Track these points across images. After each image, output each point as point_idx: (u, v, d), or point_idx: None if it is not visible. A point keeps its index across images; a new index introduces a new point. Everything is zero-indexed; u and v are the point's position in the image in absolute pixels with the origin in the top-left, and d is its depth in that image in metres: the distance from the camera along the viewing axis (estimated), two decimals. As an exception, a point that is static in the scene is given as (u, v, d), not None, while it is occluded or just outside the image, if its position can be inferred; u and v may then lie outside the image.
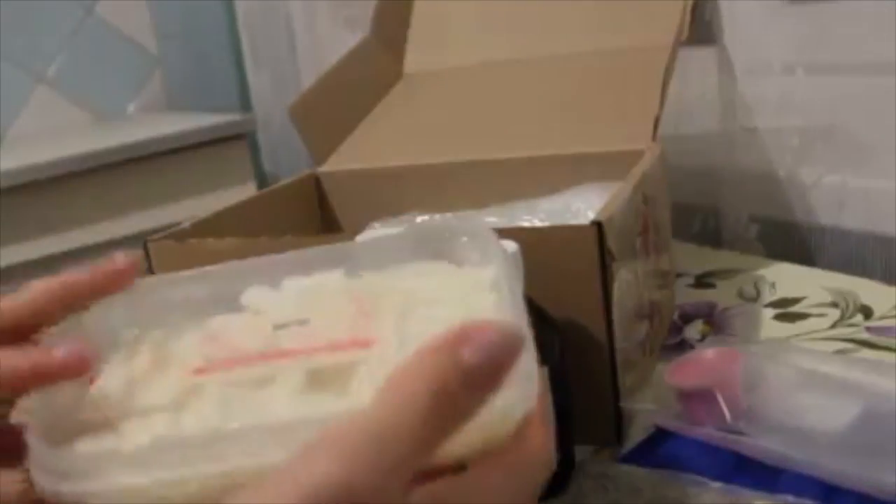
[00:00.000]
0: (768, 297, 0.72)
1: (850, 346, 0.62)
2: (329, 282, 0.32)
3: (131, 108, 1.89)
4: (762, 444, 0.48)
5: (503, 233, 0.47)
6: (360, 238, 0.47)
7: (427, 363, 0.24)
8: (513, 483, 0.26)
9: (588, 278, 0.50)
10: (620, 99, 0.73)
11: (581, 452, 0.51)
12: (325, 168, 0.79)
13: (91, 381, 0.29)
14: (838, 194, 0.81)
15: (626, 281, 0.53)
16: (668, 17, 0.74)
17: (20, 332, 0.31)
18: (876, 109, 0.76)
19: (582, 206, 0.65)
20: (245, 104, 1.82)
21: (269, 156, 1.75)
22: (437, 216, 0.70)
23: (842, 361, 0.57)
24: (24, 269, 1.37)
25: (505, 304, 0.28)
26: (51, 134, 1.72)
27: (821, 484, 0.45)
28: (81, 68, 1.82)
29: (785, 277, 0.76)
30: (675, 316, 0.70)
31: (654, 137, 0.67)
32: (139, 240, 0.58)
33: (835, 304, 0.69)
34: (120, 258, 0.33)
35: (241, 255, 0.33)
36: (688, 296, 0.74)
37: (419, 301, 0.30)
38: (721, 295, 0.74)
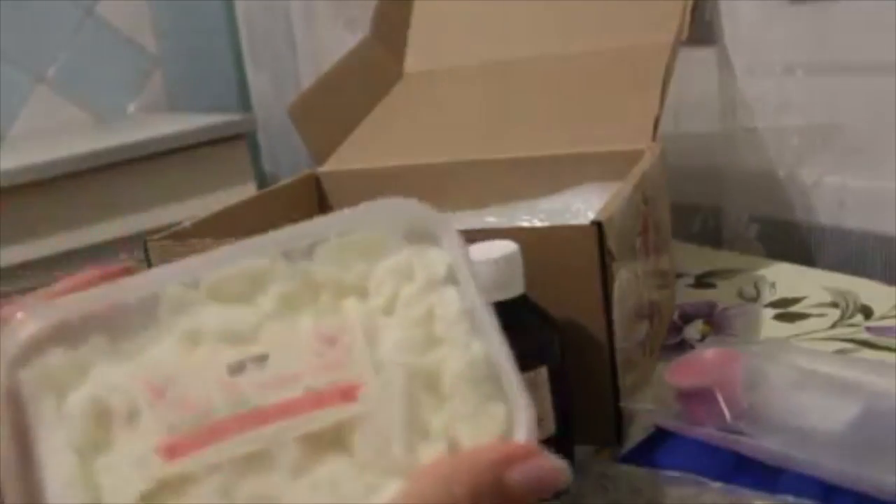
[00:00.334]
0: (768, 297, 0.72)
1: (850, 346, 0.62)
2: (262, 280, 0.28)
3: (131, 108, 1.89)
4: (762, 444, 0.48)
5: (503, 233, 0.48)
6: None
7: (472, 471, 0.25)
8: None
9: (588, 278, 0.50)
10: (620, 99, 0.73)
11: (581, 452, 0.51)
12: (325, 168, 0.79)
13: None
14: (838, 194, 0.81)
15: (626, 281, 0.53)
16: (668, 17, 0.74)
17: None
18: (876, 109, 0.76)
19: (582, 206, 0.65)
20: (245, 104, 1.82)
21: (269, 156, 1.75)
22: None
23: (842, 361, 0.57)
24: (24, 269, 1.37)
25: (468, 301, 0.27)
26: (51, 134, 1.72)
27: (821, 484, 0.45)
28: (81, 68, 1.82)
29: (785, 277, 0.76)
30: (675, 316, 0.70)
31: (654, 137, 0.67)
32: (139, 240, 0.58)
33: (835, 304, 0.69)
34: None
35: None
36: (688, 296, 0.74)
37: (376, 308, 0.27)
38: (721, 295, 0.74)
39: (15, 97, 1.76)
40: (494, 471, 0.25)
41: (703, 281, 0.78)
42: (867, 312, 0.67)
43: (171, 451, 0.24)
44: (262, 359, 0.26)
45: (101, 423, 0.25)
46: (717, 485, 0.47)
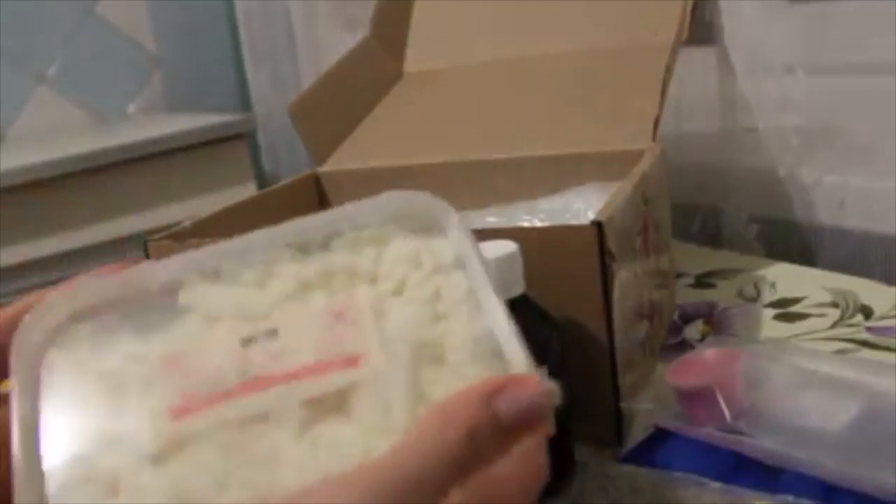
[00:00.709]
0: (768, 297, 0.72)
1: (850, 346, 0.62)
2: (278, 267, 0.29)
3: (131, 108, 1.89)
4: (762, 444, 0.48)
5: (503, 233, 0.48)
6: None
7: (462, 411, 0.24)
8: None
9: (588, 278, 0.50)
10: (620, 99, 0.73)
11: (581, 452, 0.51)
12: (325, 168, 0.79)
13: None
14: (838, 194, 0.81)
15: (626, 281, 0.53)
16: (668, 17, 0.74)
17: None
18: (876, 109, 0.76)
19: (582, 206, 0.65)
20: (245, 104, 1.82)
21: (269, 156, 1.75)
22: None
23: (842, 361, 0.57)
24: (24, 269, 1.37)
25: (476, 283, 0.28)
26: (51, 134, 1.72)
27: (821, 484, 0.45)
28: (81, 68, 1.82)
29: (785, 277, 0.76)
30: (675, 316, 0.70)
31: (654, 137, 0.67)
32: (139, 240, 0.58)
33: (835, 304, 0.69)
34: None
35: None
36: (688, 296, 0.74)
37: (386, 292, 0.28)
38: (721, 295, 0.74)
39: (15, 97, 1.76)
40: (486, 408, 0.24)
41: (703, 281, 0.78)
42: (867, 312, 0.67)
43: (181, 412, 0.25)
44: (272, 332, 0.27)
45: (117, 392, 0.26)
46: (717, 485, 0.47)
